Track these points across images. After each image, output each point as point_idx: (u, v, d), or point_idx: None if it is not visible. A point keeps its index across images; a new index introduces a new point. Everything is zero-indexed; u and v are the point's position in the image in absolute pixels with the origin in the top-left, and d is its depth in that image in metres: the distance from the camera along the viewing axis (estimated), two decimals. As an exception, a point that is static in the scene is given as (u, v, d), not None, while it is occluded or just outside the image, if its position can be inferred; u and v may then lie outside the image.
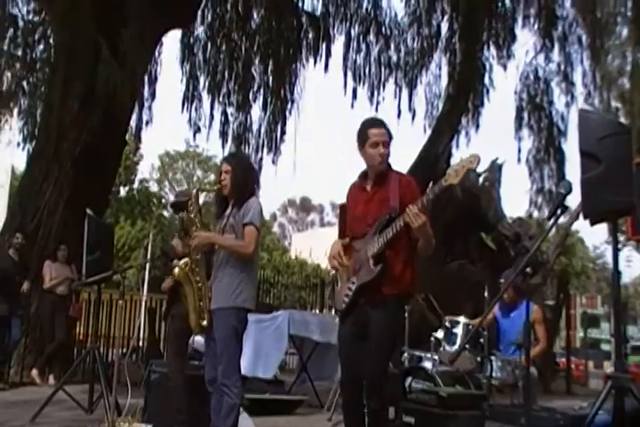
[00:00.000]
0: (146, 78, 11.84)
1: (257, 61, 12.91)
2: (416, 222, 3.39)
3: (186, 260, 4.45)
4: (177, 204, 5.20)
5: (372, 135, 3.68)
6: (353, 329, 3.66)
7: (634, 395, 3.09)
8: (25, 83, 13.03)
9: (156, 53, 12.06)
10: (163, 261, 5.34)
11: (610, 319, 37.47)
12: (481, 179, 12.91)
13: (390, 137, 3.72)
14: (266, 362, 7.12)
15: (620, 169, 3.23)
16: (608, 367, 23.81)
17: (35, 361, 8.49)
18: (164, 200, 41.15)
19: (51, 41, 11.71)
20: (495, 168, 13.14)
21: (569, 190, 3.08)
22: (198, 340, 5.34)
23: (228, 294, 4.24)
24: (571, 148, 15.02)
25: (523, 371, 5.24)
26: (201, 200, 4.89)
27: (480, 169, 12.92)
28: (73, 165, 9.47)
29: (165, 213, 37.70)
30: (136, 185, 38.67)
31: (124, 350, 8.55)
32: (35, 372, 8.23)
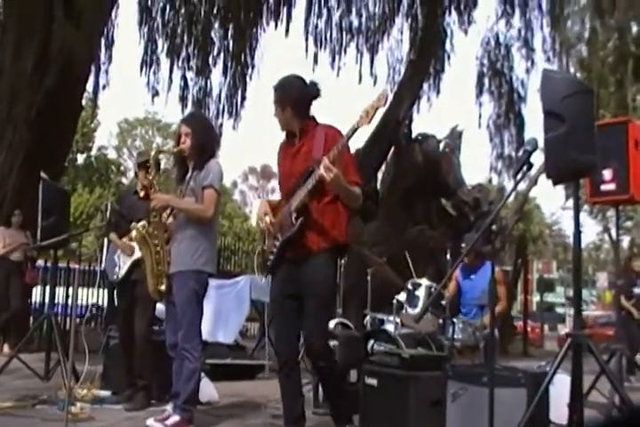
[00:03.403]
0: (102, 41, 11.48)
1: (217, 25, 12.64)
2: (327, 176, 3.21)
3: (144, 222, 4.36)
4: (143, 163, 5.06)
5: None
6: (282, 286, 3.57)
7: (592, 352, 3.13)
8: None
9: (113, 15, 11.68)
10: (118, 223, 5.20)
11: (564, 284, 38.43)
12: (441, 145, 12.95)
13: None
14: (226, 327, 7.09)
15: (584, 128, 3.21)
16: (562, 330, 24.50)
17: (-11, 330, 8.32)
18: (122, 167, 40.48)
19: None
20: (455, 135, 13.19)
21: (535, 147, 3.05)
22: (158, 307, 5.26)
23: (187, 257, 4.18)
24: (530, 113, 15.13)
25: (483, 333, 5.32)
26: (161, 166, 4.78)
27: (440, 136, 12.99)
28: (27, 128, 9.19)
29: (124, 181, 37.15)
30: (94, 152, 37.91)
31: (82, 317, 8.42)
32: (-11, 341, 8.07)
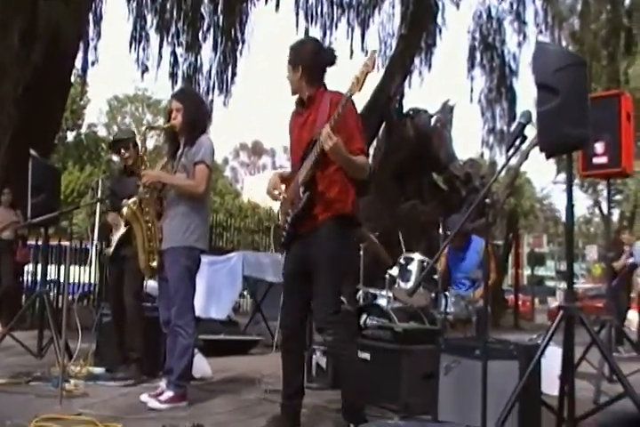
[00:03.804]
0: (91, 17, 11.28)
1: (206, 0, 12.44)
2: (326, 145, 3.12)
3: (135, 199, 4.34)
4: (119, 141, 5.05)
5: None
6: (294, 262, 3.51)
7: (584, 324, 3.14)
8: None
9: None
10: (111, 201, 5.18)
11: (554, 257, 38.66)
12: (433, 120, 12.91)
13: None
14: (218, 303, 7.10)
15: (577, 101, 3.18)
16: (552, 303, 24.74)
17: (-20, 308, 8.30)
18: (112, 145, 40.24)
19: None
20: (447, 110, 13.15)
21: (528, 120, 3.02)
22: (150, 284, 5.27)
23: (179, 233, 4.17)
24: (522, 87, 15.05)
25: (476, 306, 5.35)
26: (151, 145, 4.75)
27: (432, 110, 12.95)
28: (15, 105, 9.08)
29: (115, 158, 36.96)
30: (84, 130, 37.60)
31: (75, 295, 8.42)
32: (-19, 318, 8.05)
